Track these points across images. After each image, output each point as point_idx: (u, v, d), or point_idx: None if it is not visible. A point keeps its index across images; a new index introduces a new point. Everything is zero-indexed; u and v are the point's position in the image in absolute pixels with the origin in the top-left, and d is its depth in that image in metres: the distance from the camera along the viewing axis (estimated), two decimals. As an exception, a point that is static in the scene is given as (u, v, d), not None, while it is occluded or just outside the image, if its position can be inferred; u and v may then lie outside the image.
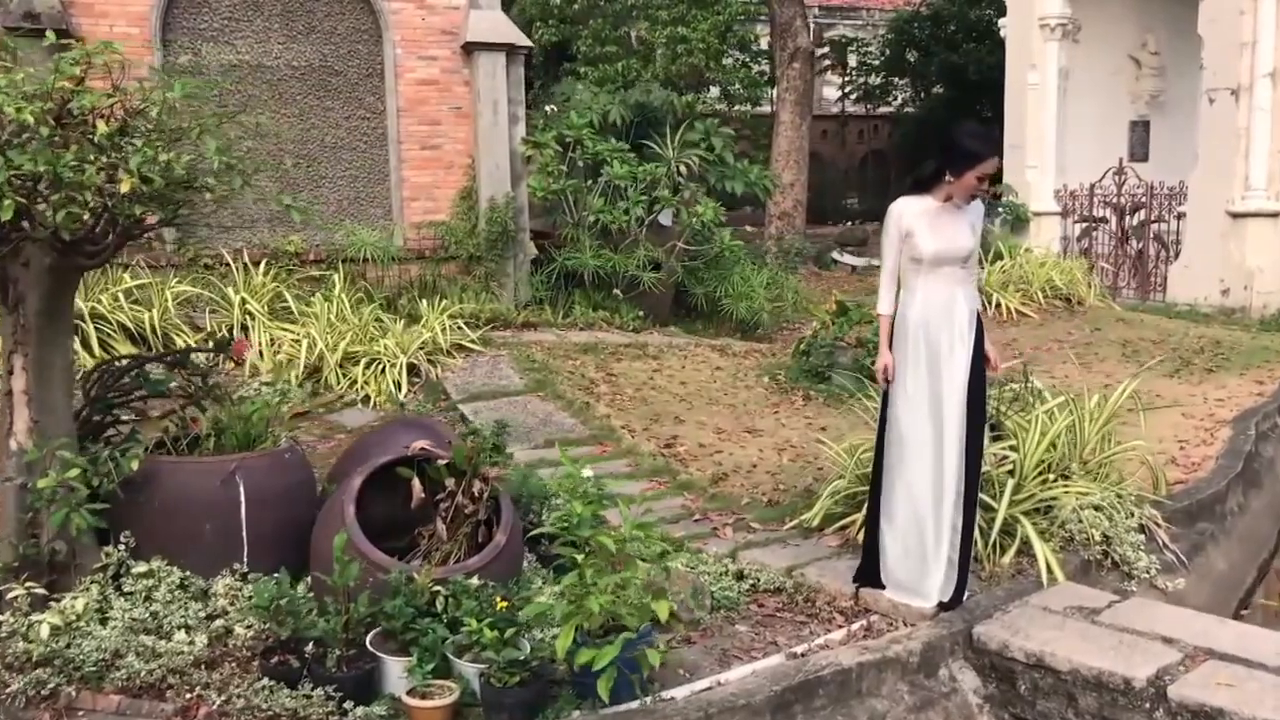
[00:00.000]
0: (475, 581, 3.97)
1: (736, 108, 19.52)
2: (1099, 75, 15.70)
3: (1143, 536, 5.22)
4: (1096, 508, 5.14)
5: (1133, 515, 5.31)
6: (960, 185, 4.34)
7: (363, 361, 7.99)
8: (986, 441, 4.61)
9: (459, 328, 8.77)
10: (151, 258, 9.75)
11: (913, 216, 4.43)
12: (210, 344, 4.79)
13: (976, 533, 4.87)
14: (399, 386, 7.86)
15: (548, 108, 10.91)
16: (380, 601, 3.79)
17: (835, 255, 17.86)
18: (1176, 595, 5.07)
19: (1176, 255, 13.64)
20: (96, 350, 7.93)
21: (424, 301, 9.16)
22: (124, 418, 4.72)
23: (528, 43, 10.66)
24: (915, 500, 4.41)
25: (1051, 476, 5.10)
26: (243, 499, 4.29)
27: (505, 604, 3.79)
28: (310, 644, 3.73)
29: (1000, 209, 15.37)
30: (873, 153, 31.78)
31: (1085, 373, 9.28)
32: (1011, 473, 4.99)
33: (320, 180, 10.48)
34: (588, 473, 4.88)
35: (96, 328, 8.02)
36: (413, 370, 8.15)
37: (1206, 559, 5.57)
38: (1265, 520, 6.52)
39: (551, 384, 7.97)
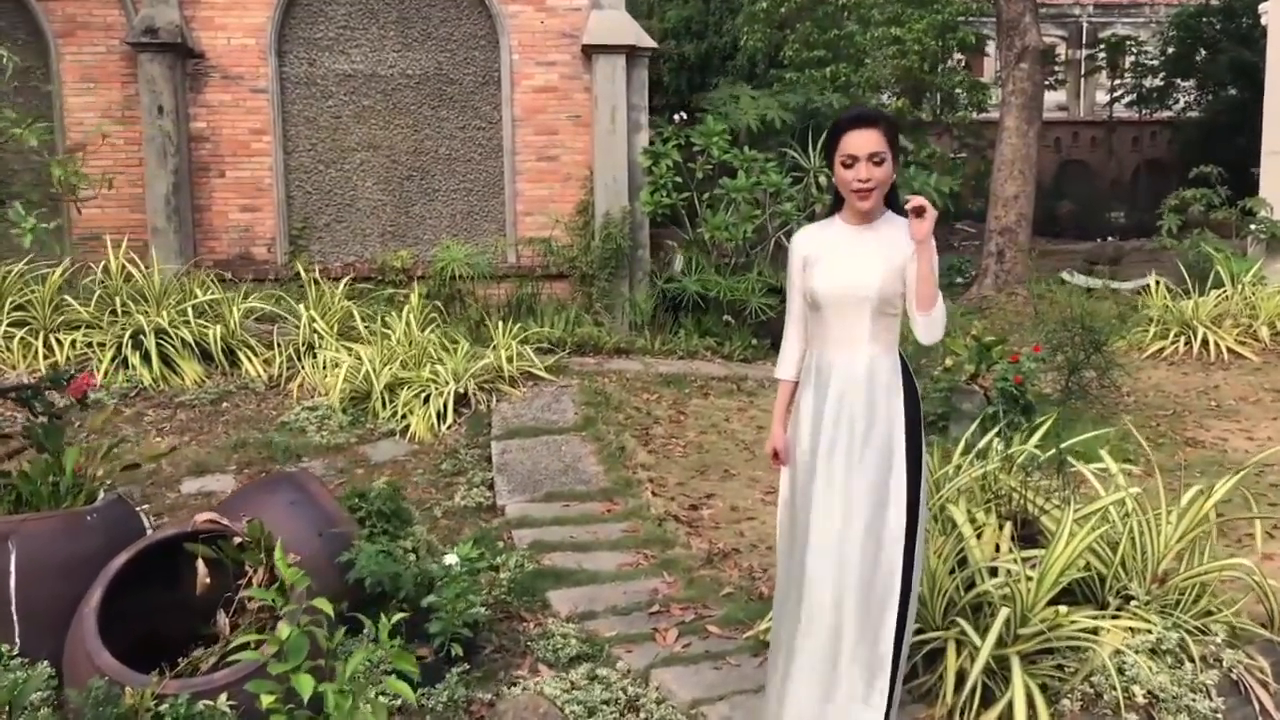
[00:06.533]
0: (211, 704, 3.12)
1: (959, 114, 17.73)
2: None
3: (1221, 700, 3.67)
4: (1153, 652, 3.67)
5: (1219, 664, 3.78)
6: (841, 184, 3.08)
7: (407, 389, 7.36)
8: (922, 555, 3.23)
9: (527, 354, 7.97)
10: (259, 271, 9.62)
11: (813, 242, 3.20)
12: (49, 379, 4.19)
13: (950, 678, 3.56)
14: (441, 417, 7.19)
15: (676, 115, 9.93)
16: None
17: (1065, 274, 15.84)
18: (1259, 791, 3.52)
19: None
20: (156, 366, 7.74)
21: (500, 324, 8.43)
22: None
23: (650, 44, 9.75)
24: (817, 633, 3.15)
25: (1064, 606, 3.65)
26: (12, 569, 3.65)
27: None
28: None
29: (1252, 226, 12.95)
30: (1146, 162, 28.47)
31: (1297, 436, 7.33)
32: (1008, 597, 3.59)
33: (433, 193, 10.03)
34: (450, 560, 3.97)
35: (159, 343, 7.83)
36: (464, 399, 7.45)
37: (1335, 733, 3.90)
38: None
39: (597, 423, 7.03)
